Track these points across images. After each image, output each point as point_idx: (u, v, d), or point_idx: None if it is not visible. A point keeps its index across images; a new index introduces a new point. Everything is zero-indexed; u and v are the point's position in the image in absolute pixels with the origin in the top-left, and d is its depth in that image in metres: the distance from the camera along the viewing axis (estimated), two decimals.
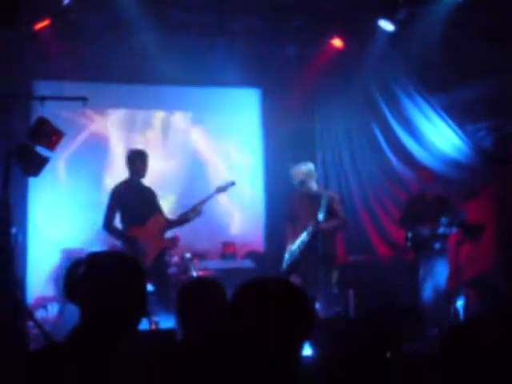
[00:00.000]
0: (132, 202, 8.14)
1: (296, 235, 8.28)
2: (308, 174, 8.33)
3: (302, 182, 8.27)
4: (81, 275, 2.65)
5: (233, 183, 8.70)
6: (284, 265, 8.34)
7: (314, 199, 8.24)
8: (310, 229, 8.01)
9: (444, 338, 2.58)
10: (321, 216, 7.91)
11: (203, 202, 8.51)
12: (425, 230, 8.58)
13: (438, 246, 8.56)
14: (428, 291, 8.55)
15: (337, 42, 10.10)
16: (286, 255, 8.34)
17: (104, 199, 8.29)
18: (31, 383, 2.44)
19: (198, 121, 11.36)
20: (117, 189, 8.26)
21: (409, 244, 8.82)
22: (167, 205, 9.97)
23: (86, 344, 2.54)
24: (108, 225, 8.13)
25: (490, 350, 2.40)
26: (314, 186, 8.39)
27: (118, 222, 8.23)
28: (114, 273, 2.65)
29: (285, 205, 8.87)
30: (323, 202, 7.94)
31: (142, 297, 2.72)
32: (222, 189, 8.64)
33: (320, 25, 9.86)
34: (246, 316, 2.32)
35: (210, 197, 8.58)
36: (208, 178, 10.92)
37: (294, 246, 8.22)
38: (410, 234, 8.77)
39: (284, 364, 2.30)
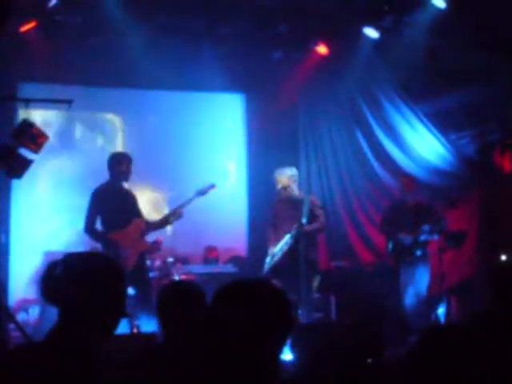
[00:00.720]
0: (113, 205, 8.07)
1: (277, 239, 8.30)
2: (292, 178, 8.35)
3: (286, 187, 8.28)
4: (58, 276, 2.65)
5: (213, 186, 8.63)
6: (265, 268, 8.35)
7: (295, 203, 8.26)
8: (293, 232, 8.01)
9: (417, 341, 2.61)
10: (304, 220, 7.93)
11: (183, 205, 8.47)
12: (406, 238, 8.61)
13: (419, 252, 8.59)
14: (409, 298, 8.58)
15: (322, 49, 10.15)
16: (268, 258, 8.35)
17: (86, 202, 8.25)
18: (5, 382, 2.44)
19: (182, 125, 11.36)
20: (97, 192, 8.20)
21: (389, 251, 8.87)
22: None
23: (62, 344, 2.54)
24: (89, 228, 8.07)
25: (461, 358, 2.43)
26: (296, 190, 8.41)
27: (99, 225, 8.21)
28: (91, 273, 2.65)
29: (267, 209, 8.88)
30: (305, 206, 7.96)
31: (119, 298, 2.72)
32: (201, 192, 8.55)
33: (305, 31, 9.90)
34: (225, 318, 2.33)
35: (190, 200, 8.53)
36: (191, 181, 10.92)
37: (276, 248, 8.22)
38: (390, 243, 8.81)
39: (264, 367, 2.31)
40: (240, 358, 2.27)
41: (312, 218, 8.11)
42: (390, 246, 8.80)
